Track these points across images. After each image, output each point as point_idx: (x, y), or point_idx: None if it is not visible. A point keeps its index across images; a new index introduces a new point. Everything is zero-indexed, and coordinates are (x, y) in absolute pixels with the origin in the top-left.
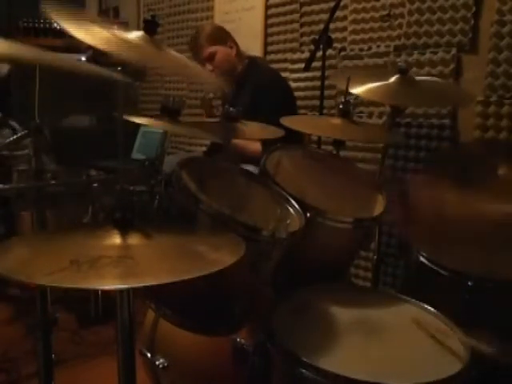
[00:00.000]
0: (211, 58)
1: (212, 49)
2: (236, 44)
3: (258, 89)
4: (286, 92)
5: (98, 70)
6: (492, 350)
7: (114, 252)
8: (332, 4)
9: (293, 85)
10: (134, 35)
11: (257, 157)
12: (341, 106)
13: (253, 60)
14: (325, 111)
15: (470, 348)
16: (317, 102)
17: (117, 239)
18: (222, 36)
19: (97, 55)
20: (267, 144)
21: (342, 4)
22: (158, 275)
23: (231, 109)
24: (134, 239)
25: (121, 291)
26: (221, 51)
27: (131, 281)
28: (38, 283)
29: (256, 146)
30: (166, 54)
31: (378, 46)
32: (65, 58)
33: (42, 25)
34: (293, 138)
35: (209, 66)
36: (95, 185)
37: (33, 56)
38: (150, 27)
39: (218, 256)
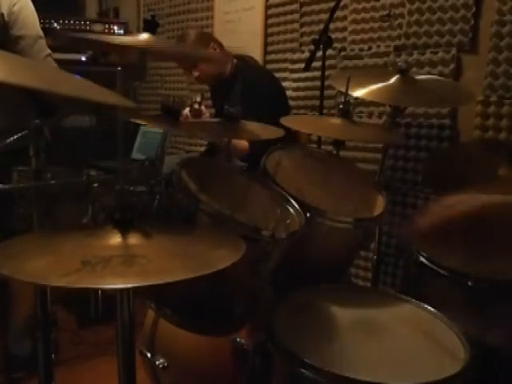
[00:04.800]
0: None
1: None
2: (220, 45)
3: (247, 88)
4: (277, 91)
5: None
6: (493, 339)
7: (123, 251)
8: (332, 4)
9: (293, 85)
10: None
11: (244, 155)
12: (341, 106)
13: (242, 59)
14: (325, 111)
15: (470, 348)
16: (317, 102)
17: (119, 239)
18: (204, 40)
19: (97, 56)
20: (256, 144)
21: (341, 4)
22: (174, 273)
23: (231, 109)
24: (136, 239)
25: (121, 291)
26: None
27: (151, 279)
28: (56, 285)
29: (243, 145)
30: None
31: (378, 46)
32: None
33: (41, 25)
34: (289, 138)
35: (195, 73)
36: (95, 185)
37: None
38: (150, 27)
39: (219, 255)
